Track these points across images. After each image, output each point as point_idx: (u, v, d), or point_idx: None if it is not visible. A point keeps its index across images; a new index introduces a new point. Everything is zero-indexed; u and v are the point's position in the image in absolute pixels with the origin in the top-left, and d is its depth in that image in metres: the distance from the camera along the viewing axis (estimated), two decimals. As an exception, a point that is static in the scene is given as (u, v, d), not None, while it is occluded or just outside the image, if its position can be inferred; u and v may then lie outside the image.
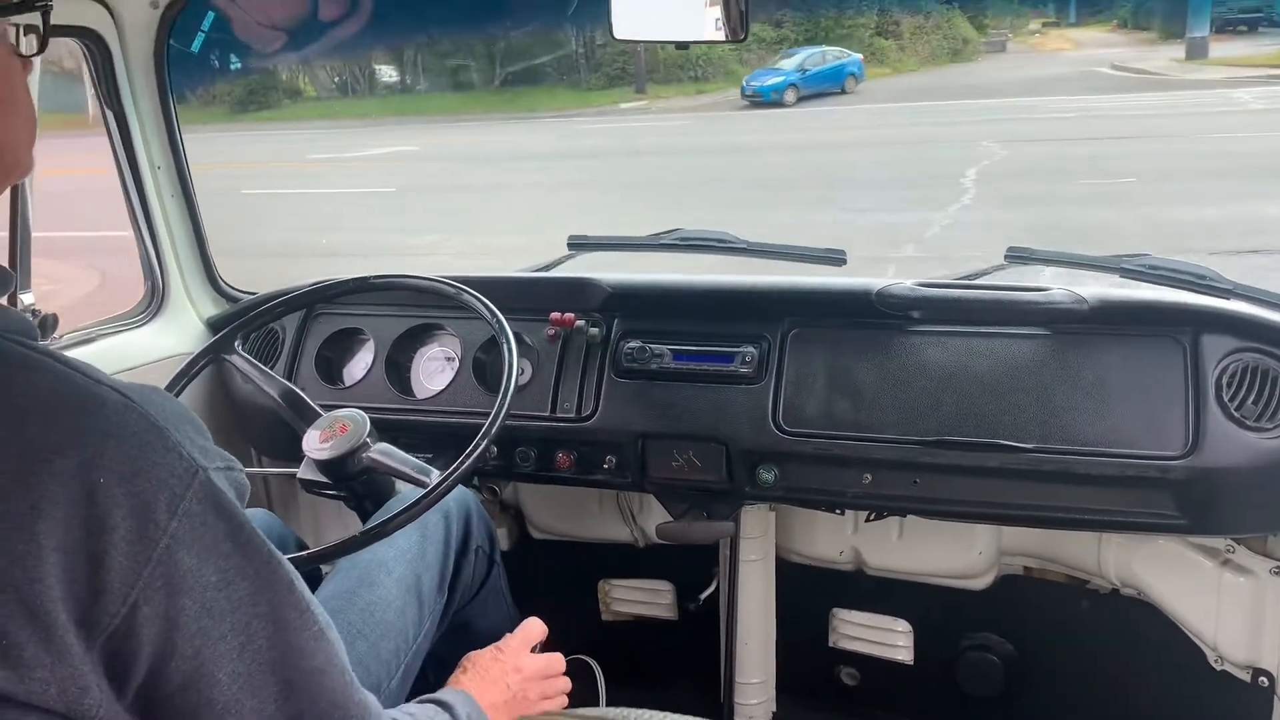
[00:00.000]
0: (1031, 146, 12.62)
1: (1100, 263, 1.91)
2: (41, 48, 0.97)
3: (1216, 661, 1.87)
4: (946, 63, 24.20)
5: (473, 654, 1.45)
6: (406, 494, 1.74)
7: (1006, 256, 2.00)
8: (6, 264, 1.79)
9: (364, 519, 1.69)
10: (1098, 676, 2.12)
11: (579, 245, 2.26)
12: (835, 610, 2.35)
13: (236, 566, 0.83)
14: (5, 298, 1.01)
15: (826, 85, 20.13)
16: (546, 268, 2.26)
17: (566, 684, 1.52)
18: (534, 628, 1.53)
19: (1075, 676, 2.15)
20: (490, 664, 1.44)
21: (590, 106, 21.67)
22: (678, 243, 2.18)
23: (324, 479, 1.69)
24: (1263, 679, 1.81)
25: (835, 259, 2.07)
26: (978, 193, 9.98)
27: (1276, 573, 1.76)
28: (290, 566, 0.90)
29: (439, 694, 1.30)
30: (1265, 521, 1.65)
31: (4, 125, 0.89)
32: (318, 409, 1.73)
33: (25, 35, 0.93)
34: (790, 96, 19.50)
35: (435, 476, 1.52)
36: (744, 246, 2.12)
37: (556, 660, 1.52)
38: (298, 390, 1.78)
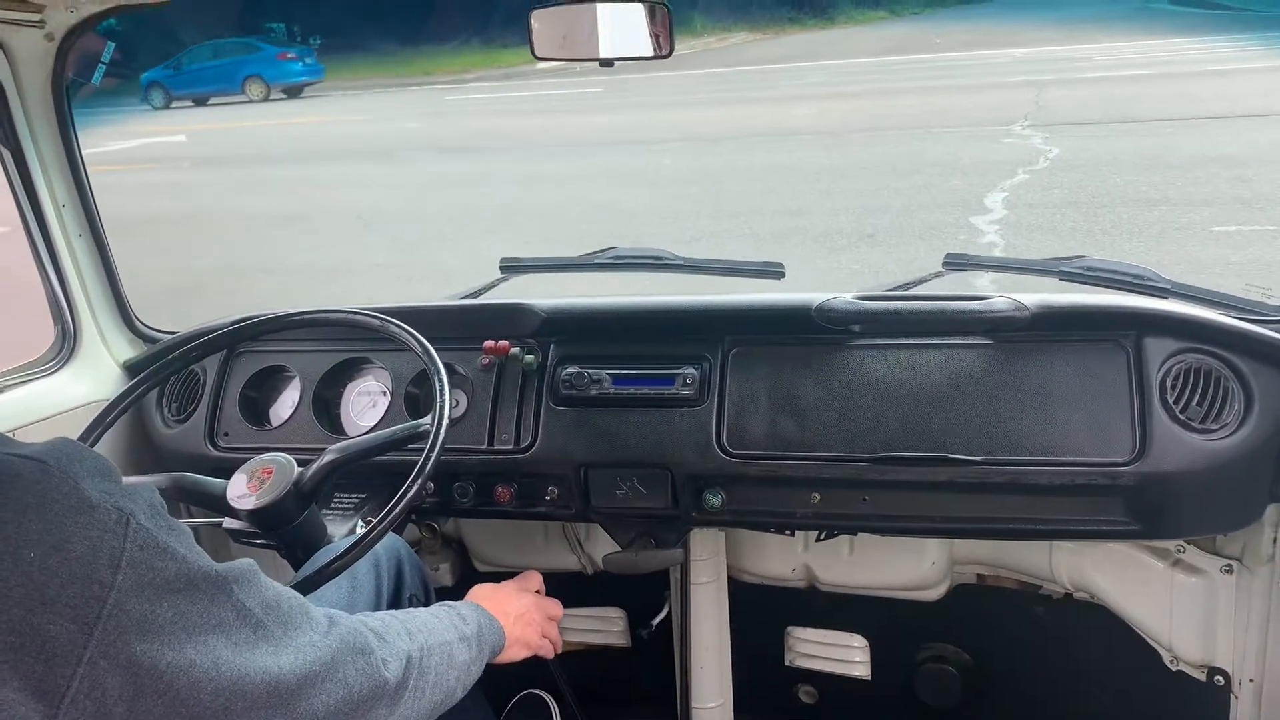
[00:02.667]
0: (1096, 139, 9.06)
1: (1038, 266, 1.89)
2: None
3: (1172, 662, 1.86)
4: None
5: (476, 586, 1.54)
6: (338, 541, 1.67)
7: (944, 263, 1.98)
8: None
9: (295, 567, 1.61)
10: (1055, 681, 2.10)
11: (511, 268, 2.20)
12: (790, 629, 2.31)
13: (187, 596, 0.83)
14: None
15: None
16: (478, 293, 2.19)
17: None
18: (533, 576, 1.66)
19: (1033, 682, 2.14)
20: (493, 590, 1.54)
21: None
22: (613, 262, 2.14)
23: (252, 528, 1.61)
24: (1218, 677, 1.80)
25: (774, 272, 2.04)
26: (1007, 246, 5.93)
27: (1227, 571, 1.75)
28: (234, 568, 0.91)
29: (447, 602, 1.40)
30: (1215, 523, 1.64)
31: None
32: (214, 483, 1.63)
33: None
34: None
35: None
36: (681, 263, 2.08)
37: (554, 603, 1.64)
38: (187, 475, 1.67)
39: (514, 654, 1.50)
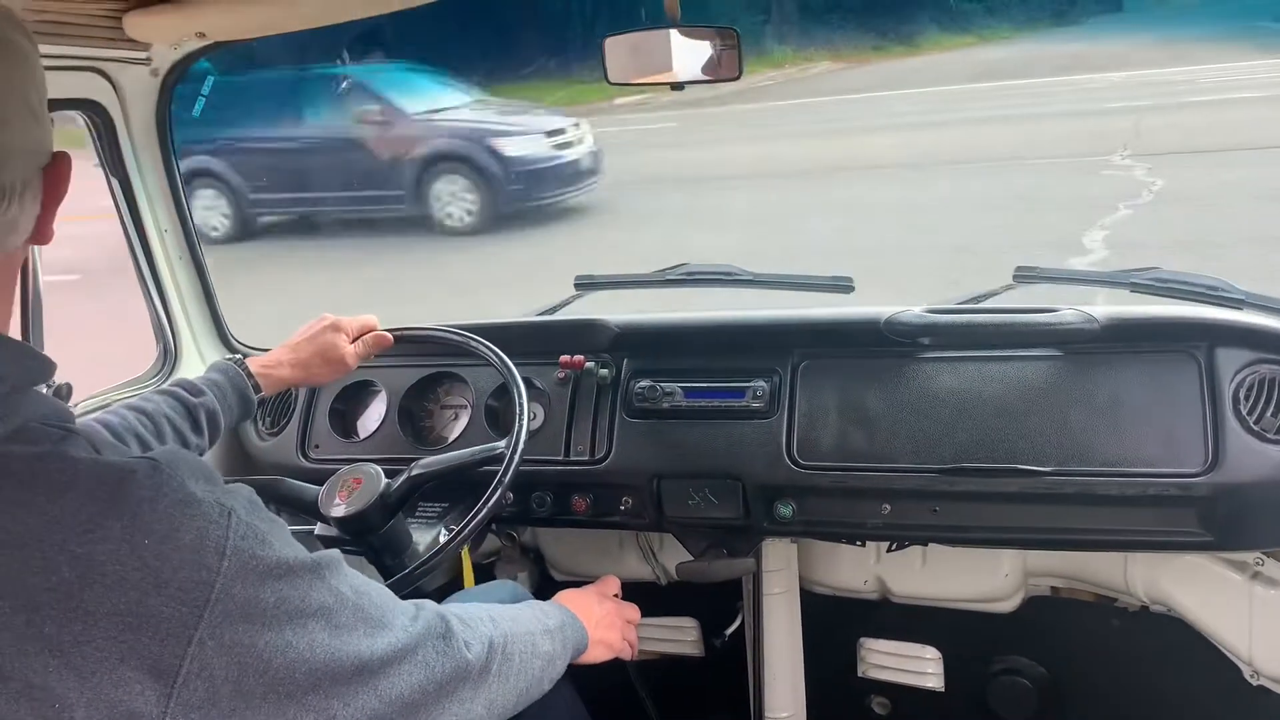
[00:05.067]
0: (1205, 169, 8.35)
1: (1110, 279, 1.90)
2: None
3: (1252, 676, 1.84)
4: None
5: (560, 591, 1.59)
6: (422, 550, 1.75)
7: (1015, 277, 1.99)
8: (20, 330, 1.81)
9: (382, 572, 1.68)
10: (1131, 695, 2.09)
11: (586, 285, 2.26)
12: (863, 640, 2.33)
13: (286, 582, 0.89)
14: (45, 385, 1.05)
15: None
16: (554, 309, 2.26)
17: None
18: (612, 581, 1.69)
19: (1108, 696, 2.12)
20: (577, 593, 1.58)
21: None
22: (685, 278, 2.19)
23: (342, 535, 1.68)
24: None
25: (843, 286, 2.07)
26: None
27: None
28: (325, 556, 0.96)
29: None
30: None
31: None
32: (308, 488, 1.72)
33: None
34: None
35: None
36: (750, 279, 2.12)
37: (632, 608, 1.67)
38: (284, 480, 1.76)
39: (596, 654, 1.54)
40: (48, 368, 0.96)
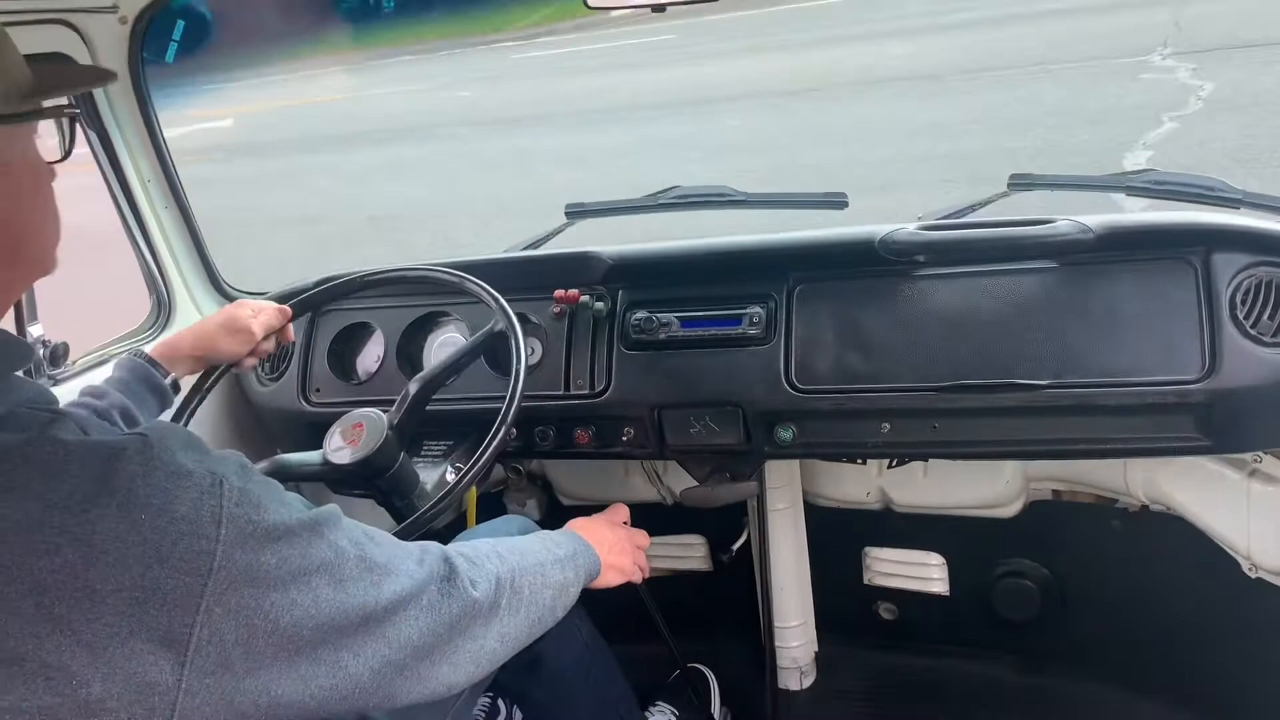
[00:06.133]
0: (1262, 66, 7.11)
1: (1105, 182, 1.88)
2: (66, 154, 1.08)
3: (1250, 570, 1.87)
4: None
5: (571, 520, 1.61)
6: (431, 487, 1.77)
7: (1010, 184, 1.97)
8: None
9: (392, 514, 1.71)
10: (1133, 592, 2.13)
11: (577, 213, 2.24)
12: (868, 549, 2.37)
13: (286, 542, 0.91)
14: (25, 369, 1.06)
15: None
16: (545, 238, 2.24)
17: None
18: (621, 509, 1.71)
19: (1111, 594, 2.17)
20: (587, 521, 1.61)
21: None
22: (676, 201, 2.17)
23: (348, 480, 1.70)
24: None
25: (837, 202, 2.05)
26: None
27: None
28: (322, 513, 0.98)
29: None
30: None
31: (36, 229, 0.97)
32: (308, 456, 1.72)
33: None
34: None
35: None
36: (743, 199, 2.10)
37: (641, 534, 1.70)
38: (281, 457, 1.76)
39: (609, 579, 1.57)
40: (26, 352, 0.97)
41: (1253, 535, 1.84)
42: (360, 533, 1.03)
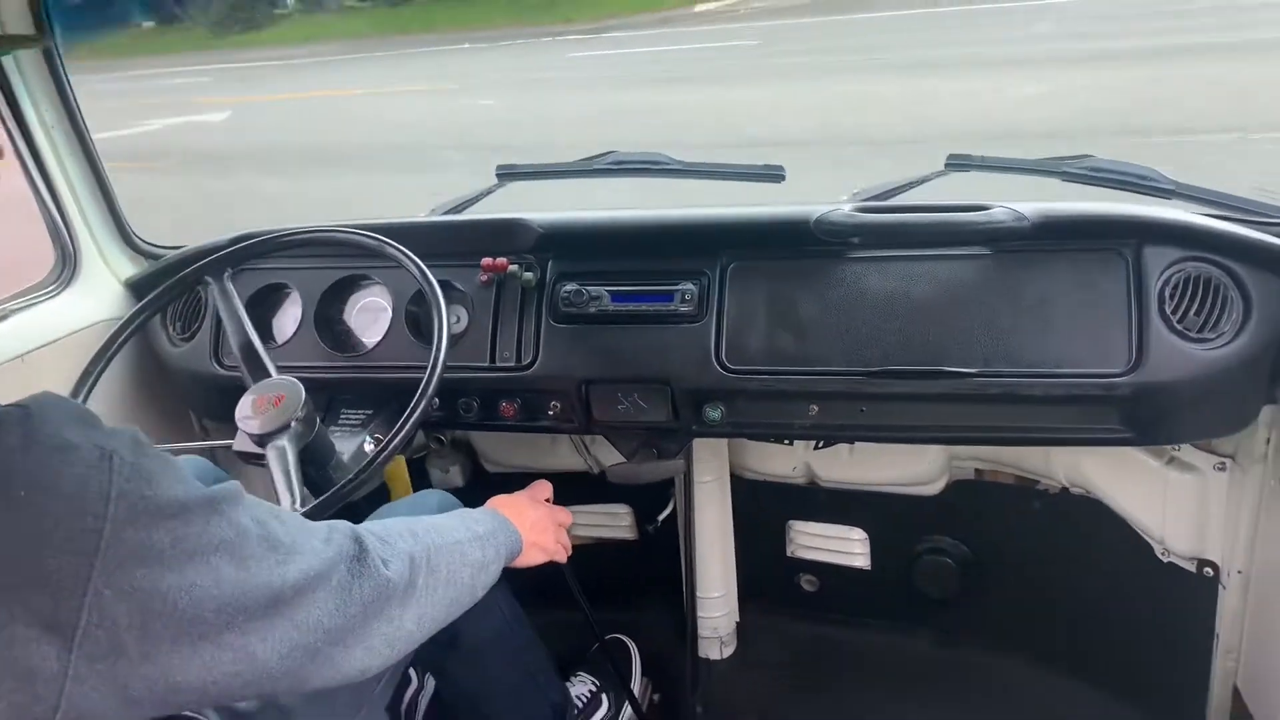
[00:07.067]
0: None
1: (1042, 167, 1.86)
2: None
3: (1163, 554, 1.91)
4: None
5: (492, 497, 1.59)
6: (348, 458, 1.71)
7: (947, 164, 1.95)
8: None
9: (307, 484, 1.65)
10: (1050, 572, 2.17)
11: (507, 175, 2.17)
12: (792, 523, 2.38)
13: (181, 520, 0.86)
14: None
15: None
16: (473, 200, 2.17)
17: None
18: (544, 486, 1.71)
19: (1028, 573, 2.21)
20: (509, 499, 1.60)
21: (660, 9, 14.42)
22: (611, 167, 2.10)
23: (260, 450, 1.64)
24: (1207, 569, 1.86)
25: (773, 175, 2.01)
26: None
27: (1220, 469, 1.78)
28: (222, 489, 0.93)
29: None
30: (1210, 429, 1.66)
31: None
32: (271, 367, 1.67)
33: None
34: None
35: (297, 506, 1.48)
36: (680, 168, 2.05)
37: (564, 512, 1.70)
38: (257, 344, 1.70)
39: (531, 557, 1.55)
40: None
41: (1167, 521, 1.87)
42: (264, 510, 0.98)
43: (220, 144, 9.86)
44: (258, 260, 1.89)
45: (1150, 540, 1.93)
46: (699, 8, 13.93)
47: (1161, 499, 1.86)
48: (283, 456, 1.53)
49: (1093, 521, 2.01)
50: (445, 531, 1.29)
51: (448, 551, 1.25)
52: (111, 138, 9.53)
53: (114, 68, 15.81)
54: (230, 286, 1.78)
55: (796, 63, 9.87)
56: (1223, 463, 1.78)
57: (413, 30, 16.35)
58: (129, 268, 2.16)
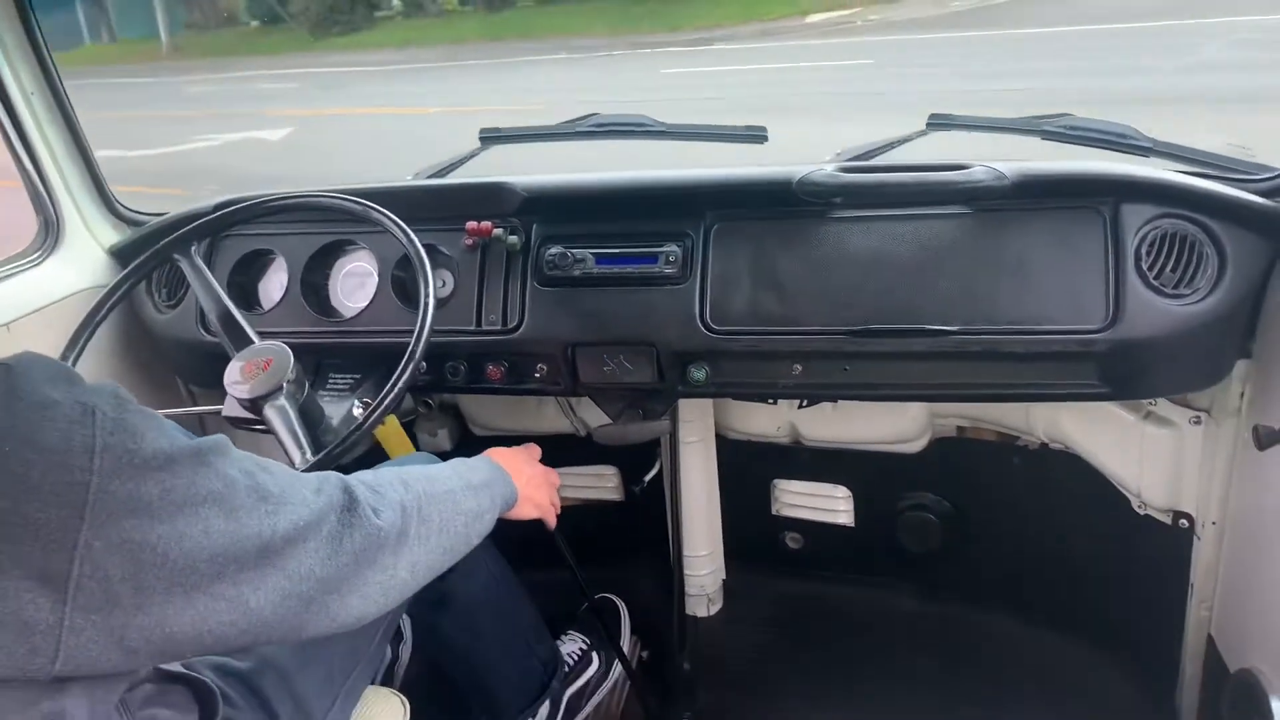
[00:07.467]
0: None
1: (1021, 125, 1.88)
2: None
3: (1140, 507, 1.95)
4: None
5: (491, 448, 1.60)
6: (337, 422, 1.73)
7: (928, 124, 1.96)
8: None
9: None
10: (1029, 527, 2.20)
11: (490, 138, 2.17)
12: (776, 481, 2.41)
13: (169, 471, 0.87)
14: None
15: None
16: (456, 163, 2.17)
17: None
18: (534, 448, 1.72)
19: (1009, 528, 2.24)
20: (508, 451, 1.61)
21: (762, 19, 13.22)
22: (594, 129, 2.11)
23: (250, 415, 1.65)
24: (1182, 521, 1.89)
25: (756, 137, 2.02)
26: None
27: (1195, 423, 1.82)
28: (208, 441, 0.94)
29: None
30: (1185, 383, 1.69)
31: None
32: (252, 334, 1.68)
33: None
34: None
35: (308, 457, 1.51)
36: (663, 130, 2.06)
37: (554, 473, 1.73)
38: (235, 313, 1.71)
39: (525, 511, 1.58)
40: None
41: (1144, 474, 1.91)
42: (252, 462, 0.99)
43: (260, 169, 9.17)
44: (243, 226, 1.89)
45: (1127, 493, 1.96)
46: (811, 18, 12.58)
47: (1138, 453, 1.89)
48: (284, 414, 1.55)
49: (1071, 476, 2.05)
50: (439, 480, 1.30)
51: (440, 500, 1.26)
52: (158, 155, 9.22)
53: (212, 68, 15.62)
54: (199, 262, 1.77)
55: (927, 90, 7.83)
56: (1198, 416, 1.81)
57: (509, 37, 15.87)
58: (112, 235, 2.15)
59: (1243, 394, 1.73)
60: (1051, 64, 8.54)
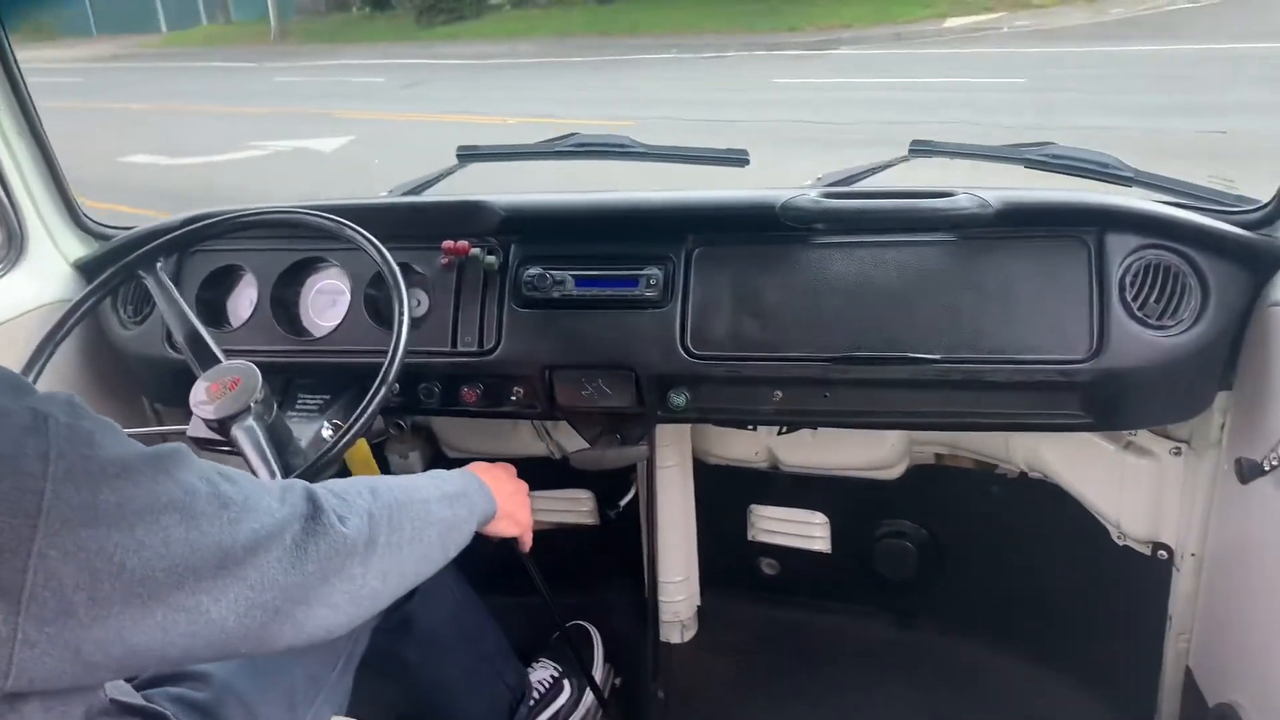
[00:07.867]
0: None
1: (1004, 154, 1.87)
2: None
3: (1119, 538, 1.94)
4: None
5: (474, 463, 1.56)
6: (306, 444, 1.68)
7: (910, 150, 1.95)
8: None
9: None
10: (1007, 555, 2.19)
11: (468, 155, 2.15)
12: (753, 507, 2.38)
13: (126, 480, 0.84)
14: None
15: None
16: (433, 180, 2.14)
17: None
18: (510, 469, 1.65)
19: (986, 556, 2.23)
20: (490, 466, 1.57)
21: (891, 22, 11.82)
22: (574, 149, 2.09)
23: (215, 436, 1.61)
24: (1162, 552, 1.88)
25: (738, 160, 2.01)
26: None
27: (1176, 454, 1.81)
28: (166, 448, 0.91)
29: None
30: (1167, 415, 1.68)
31: None
32: (219, 353, 1.63)
33: None
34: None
35: (277, 477, 1.46)
36: (643, 151, 2.04)
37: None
38: (202, 332, 1.66)
39: (502, 527, 1.53)
40: None
41: (1123, 505, 1.90)
42: (213, 470, 0.96)
43: (294, 188, 7.61)
44: (213, 241, 1.84)
45: (1106, 524, 1.95)
46: (949, 22, 11.20)
47: (1118, 483, 1.89)
48: (251, 435, 1.50)
49: (1050, 506, 2.04)
50: (411, 490, 1.26)
51: (412, 509, 1.22)
52: (202, 164, 8.25)
53: (312, 54, 15.25)
54: (165, 278, 1.72)
55: (1093, 130, 6.27)
56: (1178, 447, 1.80)
57: (616, 32, 15.28)
58: (78, 248, 2.10)
59: (1223, 425, 1.73)
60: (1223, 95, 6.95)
